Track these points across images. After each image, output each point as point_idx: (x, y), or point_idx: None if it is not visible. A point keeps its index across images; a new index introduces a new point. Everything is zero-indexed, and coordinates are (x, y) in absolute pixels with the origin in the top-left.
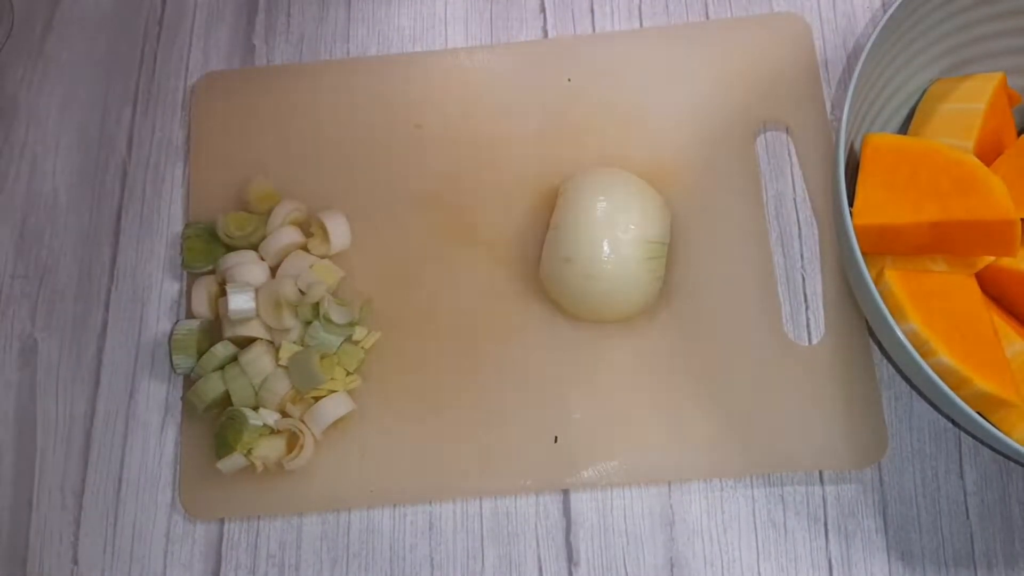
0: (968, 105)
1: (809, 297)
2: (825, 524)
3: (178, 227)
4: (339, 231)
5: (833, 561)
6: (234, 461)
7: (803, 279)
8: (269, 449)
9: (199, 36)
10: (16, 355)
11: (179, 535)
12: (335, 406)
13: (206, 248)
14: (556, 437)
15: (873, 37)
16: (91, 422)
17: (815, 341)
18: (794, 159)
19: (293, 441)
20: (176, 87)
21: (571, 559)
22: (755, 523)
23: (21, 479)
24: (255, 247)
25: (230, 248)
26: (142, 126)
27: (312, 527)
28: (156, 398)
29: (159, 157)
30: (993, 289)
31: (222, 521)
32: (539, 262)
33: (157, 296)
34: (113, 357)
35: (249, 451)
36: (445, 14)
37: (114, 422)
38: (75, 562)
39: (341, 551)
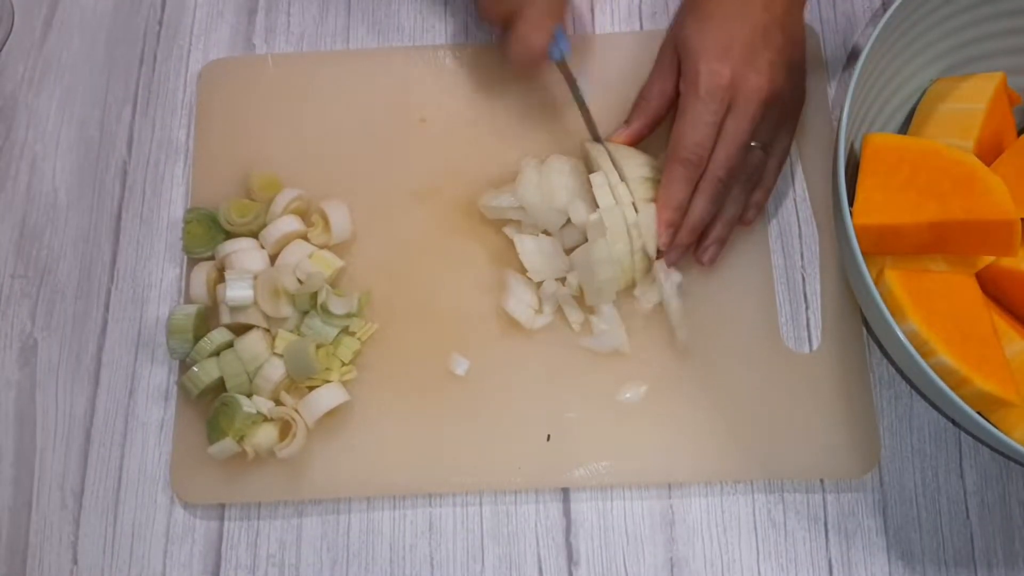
0: (968, 105)
1: (809, 297)
2: (825, 524)
3: (178, 226)
4: (340, 221)
5: (833, 561)
6: (226, 447)
7: (803, 279)
8: (261, 436)
9: (199, 35)
10: (16, 354)
11: (179, 535)
12: (329, 396)
13: (206, 234)
14: (549, 435)
15: (873, 37)
16: (91, 422)
17: (815, 343)
18: (795, 159)
19: (286, 429)
20: (176, 87)
21: (571, 559)
22: (755, 523)
23: (21, 478)
24: (255, 234)
25: (230, 235)
26: (142, 125)
27: (312, 527)
28: (156, 397)
29: (159, 156)
30: (993, 289)
31: (222, 520)
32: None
33: (157, 296)
34: (113, 356)
35: (241, 437)
36: (445, 14)
37: (114, 421)
38: (75, 561)
39: (341, 551)
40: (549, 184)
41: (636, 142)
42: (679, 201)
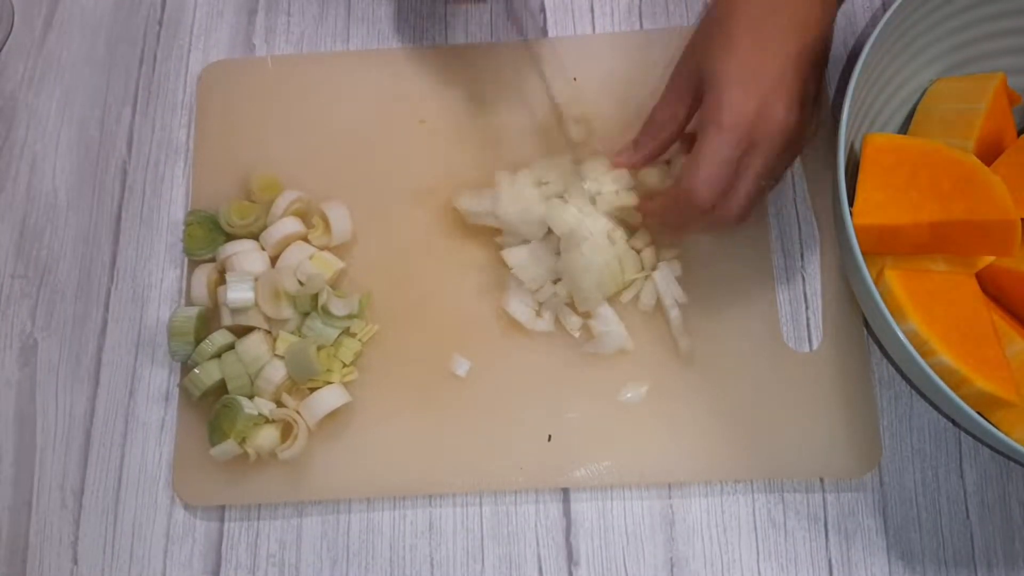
0: (968, 105)
1: (809, 297)
2: (825, 524)
3: (178, 227)
4: (340, 222)
5: (833, 561)
6: (227, 448)
7: (803, 279)
8: (263, 438)
9: (199, 35)
10: (16, 354)
11: (179, 534)
12: (330, 397)
13: (207, 236)
14: (550, 436)
15: (873, 37)
16: (91, 421)
17: (815, 343)
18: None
19: (287, 431)
20: (176, 87)
21: (571, 559)
22: (755, 523)
23: (21, 478)
24: (256, 236)
25: (231, 236)
26: (142, 125)
27: (312, 527)
28: (156, 398)
29: (159, 156)
30: (993, 289)
31: (222, 520)
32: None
33: (157, 296)
34: (113, 356)
35: (243, 439)
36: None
37: (114, 421)
38: (75, 561)
39: (341, 551)
40: (523, 198)
41: (645, 167)
42: (680, 235)
